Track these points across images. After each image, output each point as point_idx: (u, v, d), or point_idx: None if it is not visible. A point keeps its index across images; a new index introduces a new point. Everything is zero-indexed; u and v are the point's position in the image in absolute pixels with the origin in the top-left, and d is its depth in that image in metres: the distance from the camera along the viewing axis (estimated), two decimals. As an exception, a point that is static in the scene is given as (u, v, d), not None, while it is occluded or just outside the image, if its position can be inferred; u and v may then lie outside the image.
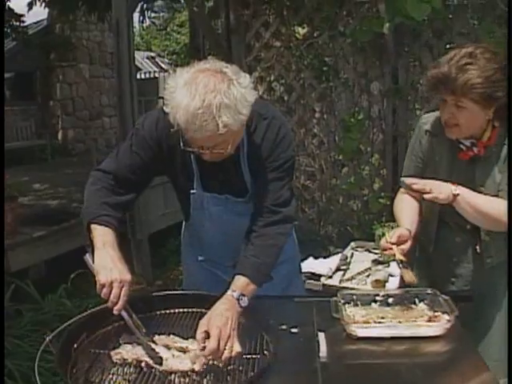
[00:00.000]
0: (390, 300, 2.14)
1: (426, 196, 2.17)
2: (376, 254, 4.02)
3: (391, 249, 2.23)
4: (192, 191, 2.22)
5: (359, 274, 3.70)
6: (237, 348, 1.81)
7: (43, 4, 9.44)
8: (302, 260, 3.67)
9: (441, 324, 1.98)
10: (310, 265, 3.82)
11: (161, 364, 1.81)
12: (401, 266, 2.19)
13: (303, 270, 3.60)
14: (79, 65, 14.50)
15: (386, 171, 5.47)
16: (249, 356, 1.85)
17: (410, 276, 2.17)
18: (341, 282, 3.53)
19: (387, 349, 1.91)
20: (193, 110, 1.77)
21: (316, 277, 3.65)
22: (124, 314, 1.92)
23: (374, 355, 1.89)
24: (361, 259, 4.01)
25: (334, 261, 3.89)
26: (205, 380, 1.77)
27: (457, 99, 2.12)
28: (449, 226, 2.41)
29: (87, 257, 1.94)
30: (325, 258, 4.05)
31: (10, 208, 5.17)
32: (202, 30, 6.12)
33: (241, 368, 1.81)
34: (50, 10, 11.64)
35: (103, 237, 1.96)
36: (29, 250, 5.36)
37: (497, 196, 2.25)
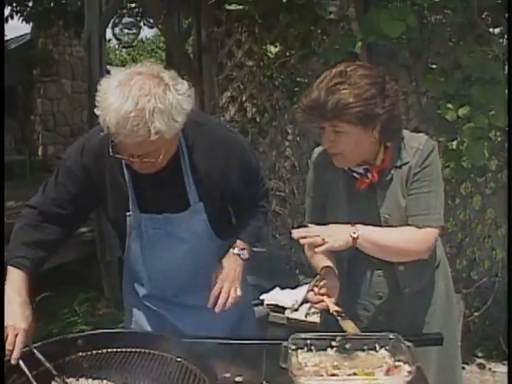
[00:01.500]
0: (348, 345, 1.94)
1: (317, 249, 1.97)
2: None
3: (322, 301, 2.05)
4: (128, 213, 2.08)
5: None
6: (238, 292, 2.08)
7: (21, 18, 9.33)
8: (268, 290, 3.49)
9: (400, 377, 1.78)
10: (274, 296, 3.58)
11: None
12: (340, 318, 2.01)
13: (268, 302, 3.46)
14: (61, 80, 14.28)
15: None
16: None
17: (352, 327, 1.99)
18: (307, 315, 3.27)
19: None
20: (124, 113, 1.69)
21: (280, 309, 3.43)
22: (22, 364, 1.79)
23: None
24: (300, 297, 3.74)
25: (301, 292, 3.57)
26: None
27: (333, 124, 1.96)
28: (361, 261, 2.21)
29: None
30: (292, 288, 3.76)
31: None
32: (172, 47, 5.98)
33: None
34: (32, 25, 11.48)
35: (11, 280, 1.92)
36: None
37: (405, 223, 2.11)
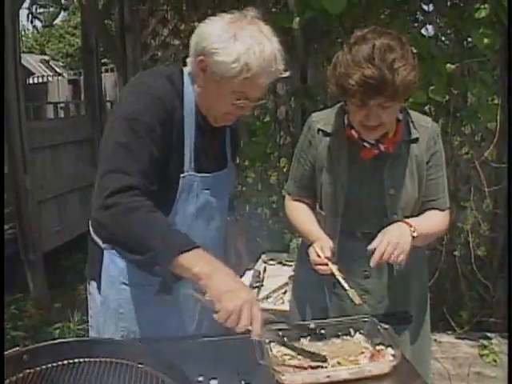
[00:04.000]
0: (322, 332, 1.86)
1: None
2: (291, 266, 3.73)
3: (327, 264, 2.00)
4: (182, 174, 1.94)
5: (275, 291, 3.35)
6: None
7: None
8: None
9: (386, 361, 1.71)
10: None
11: None
12: (346, 286, 1.93)
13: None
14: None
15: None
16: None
17: (358, 298, 1.93)
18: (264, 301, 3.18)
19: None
20: (269, 53, 1.80)
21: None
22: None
23: None
24: (275, 273, 3.66)
25: (246, 279, 3.50)
26: None
27: (386, 101, 1.91)
28: (355, 237, 2.19)
29: (193, 292, 1.73)
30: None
31: None
32: (94, 28, 5.67)
33: None
34: None
35: (207, 261, 1.67)
36: None
37: (407, 203, 2.13)
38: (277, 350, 1.79)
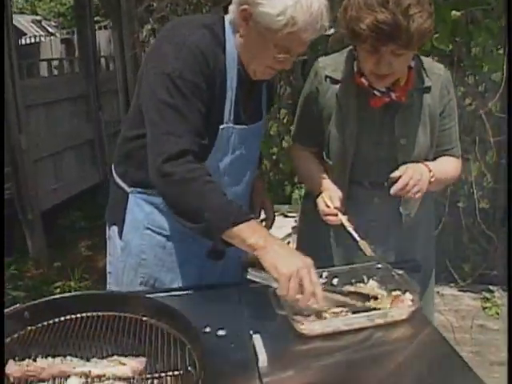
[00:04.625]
0: (335, 281, 1.83)
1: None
2: (293, 218, 3.68)
3: (336, 215, 1.95)
4: (221, 127, 1.89)
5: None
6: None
7: None
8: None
9: (405, 307, 1.69)
10: None
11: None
12: (357, 237, 1.89)
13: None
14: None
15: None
16: (169, 373, 1.45)
17: (369, 249, 1.89)
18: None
19: (344, 342, 1.60)
20: (315, 10, 1.72)
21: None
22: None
23: (330, 352, 1.57)
24: (277, 225, 3.61)
25: None
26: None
27: (399, 49, 1.82)
28: (363, 187, 2.14)
29: (251, 272, 1.70)
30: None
31: None
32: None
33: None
34: None
35: (261, 233, 1.69)
36: None
37: (418, 153, 2.07)
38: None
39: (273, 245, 1.64)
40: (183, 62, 1.76)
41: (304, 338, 1.61)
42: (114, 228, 2.11)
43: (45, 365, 1.48)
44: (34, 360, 1.51)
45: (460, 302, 4.24)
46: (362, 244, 1.92)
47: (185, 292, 1.91)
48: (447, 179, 2.19)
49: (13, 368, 1.48)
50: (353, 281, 1.85)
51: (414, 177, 1.89)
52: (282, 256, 1.62)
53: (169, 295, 1.84)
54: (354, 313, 1.68)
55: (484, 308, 4.13)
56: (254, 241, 1.64)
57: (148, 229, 2.01)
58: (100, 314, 1.71)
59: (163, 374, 1.45)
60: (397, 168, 2.01)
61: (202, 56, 1.77)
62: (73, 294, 1.85)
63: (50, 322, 1.71)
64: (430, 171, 1.97)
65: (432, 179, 1.96)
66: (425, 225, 2.24)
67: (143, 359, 1.45)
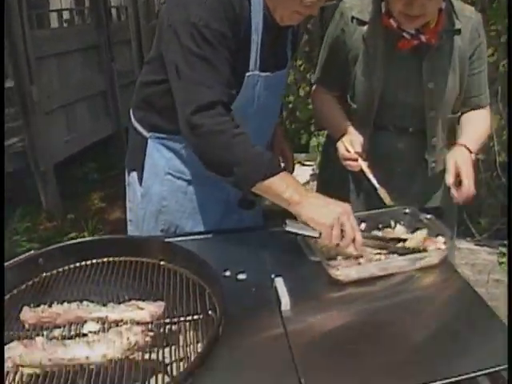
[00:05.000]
0: (362, 226, 1.77)
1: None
2: (310, 166, 3.62)
3: (356, 160, 1.88)
4: (247, 74, 1.82)
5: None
6: None
7: None
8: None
9: (439, 250, 1.66)
10: None
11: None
12: (376, 184, 1.84)
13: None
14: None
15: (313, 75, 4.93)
16: (189, 318, 1.41)
17: (388, 198, 1.84)
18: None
19: (372, 288, 1.56)
20: None
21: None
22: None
23: (360, 298, 1.53)
24: (294, 174, 3.58)
25: None
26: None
27: None
28: (388, 131, 2.07)
29: (289, 223, 1.62)
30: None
31: None
32: None
33: (180, 337, 1.39)
34: None
35: (295, 186, 1.65)
36: None
37: (447, 100, 1.99)
38: (321, 245, 1.71)
39: (308, 198, 1.61)
40: (208, 9, 1.67)
41: (329, 283, 1.57)
42: (134, 174, 2.06)
43: (60, 310, 1.44)
44: (50, 306, 1.47)
45: (476, 256, 4.18)
46: (382, 192, 1.87)
47: (203, 236, 1.86)
48: (482, 143, 2.11)
49: (28, 315, 1.45)
50: (380, 226, 1.81)
51: (468, 174, 1.87)
52: (319, 207, 1.59)
53: (187, 239, 1.79)
54: (390, 254, 1.66)
55: (500, 263, 4.08)
56: (288, 195, 1.61)
57: (168, 174, 1.96)
58: (116, 259, 1.67)
59: (182, 319, 1.42)
60: (423, 114, 1.97)
61: (227, 2, 1.70)
62: (88, 238, 1.80)
63: (65, 268, 1.68)
64: (471, 153, 1.94)
65: (473, 159, 1.93)
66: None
67: (162, 303, 1.41)
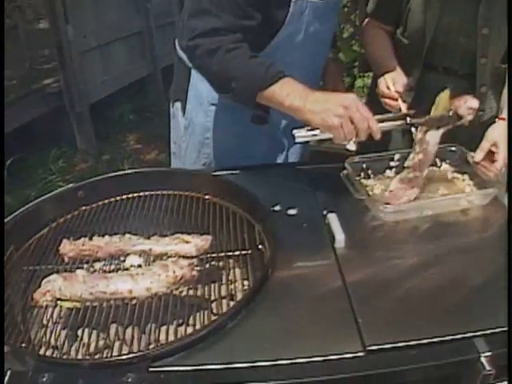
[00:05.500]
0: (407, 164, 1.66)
1: None
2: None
3: (396, 99, 1.76)
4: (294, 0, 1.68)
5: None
6: None
7: None
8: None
9: (486, 191, 1.57)
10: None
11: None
12: (413, 129, 1.67)
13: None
14: None
15: (357, 17, 4.69)
16: (236, 253, 1.33)
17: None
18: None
19: (421, 226, 1.47)
20: None
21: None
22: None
23: (409, 238, 1.45)
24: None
25: None
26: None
27: None
28: (437, 72, 1.96)
29: (297, 133, 1.51)
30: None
31: None
32: None
33: (226, 273, 1.31)
34: None
35: (297, 92, 1.50)
36: None
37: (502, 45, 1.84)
38: (364, 183, 1.65)
39: (308, 103, 1.47)
40: None
41: (382, 222, 1.48)
42: (178, 104, 1.98)
43: (101, 243, 1.38)
44: (90, 239, 1.41)
45: None
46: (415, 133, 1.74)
47: (249, 171, 1.76)
48: None
49: (67, 247, 1.39)
50: None
51: (498, 142, 1.72)
52: (321, 109, 1.45)
53: (232, 173, 1.70)
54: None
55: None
56: (289, 103, 1.49)
57: (212, 105, 1.87)
58: (159, 192, 1.60)
59: (230, 254, 1.34)
60: (474, 60, 1.87)
61: None
62: (131, 171, 1.71)
63: (106, 201, 1.61)
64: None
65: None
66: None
67: (208, 237, 1.33)
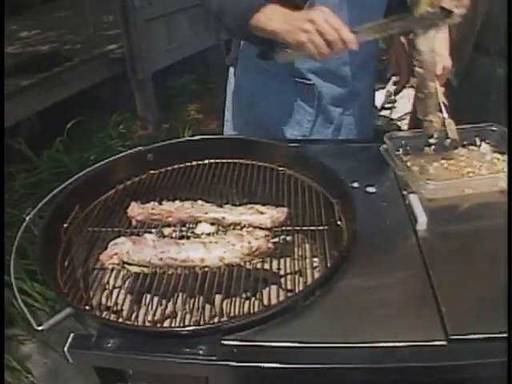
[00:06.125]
0: (447, 142, 1.61)
1: None
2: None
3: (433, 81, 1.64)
4: None
5: (408, 113, 3.07)
6: None
7: None
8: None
9: None
10: None
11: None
12: (446, 114, 1.61)
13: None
14: None
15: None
16: (313, 228, 1.27)
17: (455, 132, 1.61)
18: (390, 122, 2.92)
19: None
20: None
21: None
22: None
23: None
24: (406, 95, 3.40)
25: (377, 97, 3.26)
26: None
27: None
28: (488, 54, 1.88)
29: (278, 55, 1.51)
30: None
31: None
32: None
33: (299, 248, 1.26)
34: None
35: (278, 16, 1.46)
36: (17, 103, 4.61)
37: None
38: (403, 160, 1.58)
39: (282, 24, 1.43)
40: None
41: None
42: (231, 69, 2.00)
43: (172, 208, 1.33)
44: (160, 203, 1.36)
45: None
46: (449, 123, 1.65)
47: (318, 144, 1.68)
48: None
49: (136, 211, 1.34)
50: (465, 143, 1.63)
51: None
52: (291, 26, 1.40)
53: (299, 145, 1.62)
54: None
55: None
56: (271, 27, 1.45)
57: (258, 69, 1.84)
58: (231, 161, 1.54)
59: (305, 228, 1.27)
60: None
61: None
62: (201, 137, 1.65)
63: (175, 166, 1.56)
64: None
65: None
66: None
67: (284, 209, 1.26)
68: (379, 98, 3.25)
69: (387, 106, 3.17)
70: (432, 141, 1.62)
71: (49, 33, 6.82)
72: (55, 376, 2.36)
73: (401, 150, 1.62)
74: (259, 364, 0.97)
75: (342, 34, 1.34)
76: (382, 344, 0.99)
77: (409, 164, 1.55)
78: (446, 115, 1.64)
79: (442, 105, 1.64)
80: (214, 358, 0.96)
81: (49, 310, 2.52)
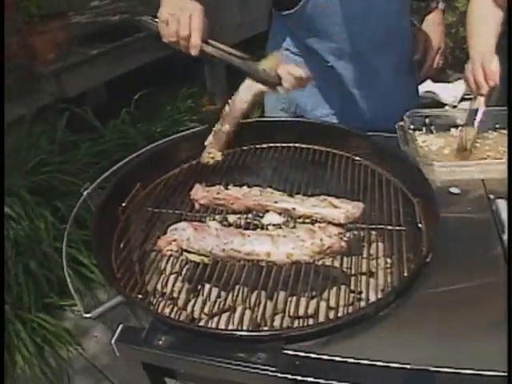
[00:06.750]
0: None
1: None
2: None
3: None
4: None
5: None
6: None
7: None
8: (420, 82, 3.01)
9: None
10: (429, 87, 3.12)
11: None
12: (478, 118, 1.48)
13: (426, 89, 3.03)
14: None
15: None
16: (389, 227, 1.16)
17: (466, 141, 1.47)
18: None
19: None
20: None
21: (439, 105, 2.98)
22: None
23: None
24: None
25: (457, 88, 3.10)
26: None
27: None
28: None
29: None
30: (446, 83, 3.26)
31: (58, 26, 4.43)
32: None
33: (371, 245, 1.17)
34: None
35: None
36: (86, 72, 4.63)
37: None
38: (422, 139, 1.51)
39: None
40: None
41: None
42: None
43: (239, 194, 1.23)
44: (226, 188, 1.26)
45: None
46: (467, 132, 1.50)
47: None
48: None
49: (200, 194, 1.25)
50: (497, 126, 1.54)
51: None
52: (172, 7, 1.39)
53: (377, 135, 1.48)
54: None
55: None
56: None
57: (287, 50, 1.80)
58: (303, 145, 1.43)
59: (381, 226, 1.16)
60: None
61: None
62: (272, 119, 1.55)
63: (244, 148, 1.48)
64: None
65: None
66: None
67: (360, 205, 1.15)
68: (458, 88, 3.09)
69: (468, 97, 3.02)
70: (459, 121, 1.53)
71: (120, 3, 6.82)
72: (106, 353, 2.31)
73: (424, 128, 1.54)
74: (321, 381, 0.87)
75: (192, 36, 1.39)
76: (464, 371, 0.87)
77: (426, 143, 1.48)
78: (478, 118, 1.50)
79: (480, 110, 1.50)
80: (273, 368, 0.87)
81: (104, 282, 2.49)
